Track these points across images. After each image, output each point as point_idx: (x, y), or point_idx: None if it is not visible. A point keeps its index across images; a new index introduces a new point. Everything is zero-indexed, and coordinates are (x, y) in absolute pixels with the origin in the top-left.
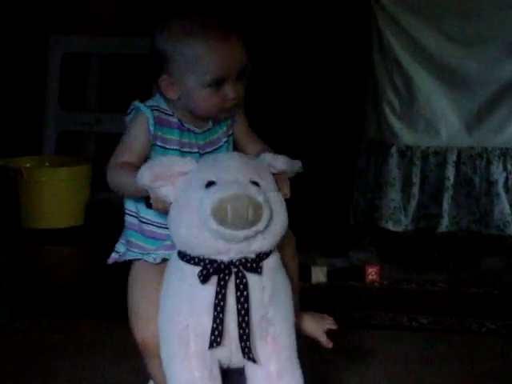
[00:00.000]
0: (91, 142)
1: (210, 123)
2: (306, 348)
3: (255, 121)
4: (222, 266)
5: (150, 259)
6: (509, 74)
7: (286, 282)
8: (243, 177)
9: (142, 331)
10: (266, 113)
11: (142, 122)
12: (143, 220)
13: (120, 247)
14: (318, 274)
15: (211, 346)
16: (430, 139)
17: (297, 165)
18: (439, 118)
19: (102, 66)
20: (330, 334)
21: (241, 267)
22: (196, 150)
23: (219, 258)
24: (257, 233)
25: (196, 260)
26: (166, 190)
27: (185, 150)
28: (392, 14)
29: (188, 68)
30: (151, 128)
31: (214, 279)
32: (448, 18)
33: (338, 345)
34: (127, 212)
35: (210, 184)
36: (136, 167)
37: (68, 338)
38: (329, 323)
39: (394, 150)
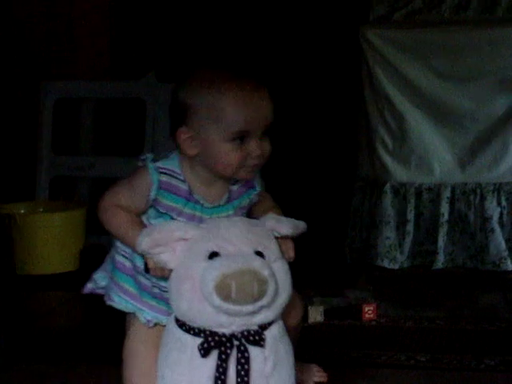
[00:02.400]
0: (85, 186)
1: (224, 198)
2: None
3: None
4: (224, 339)
5: (143, 320)
6: (500, 109)
7: (288, 350)
8: (247, 247)
9: None
10: None
11: (144, 182)
12: (139, 271)
13: (100, 279)
14: (315, 314)
15: None
16: (424, 176)
17: (301, 227)
18: (432, 155)
19: (94, 110)
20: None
21: (243, 340)
22: (198, 219)
23: (221, 330)
24: (261, 307)
25: (196, 330)
26: (166, 257)
27: (184, 218)
28: (381, 51)
29: (211, 119)
30: (152, 194)
31: (214, 351)
32: (438, 54)
33: (339, 382)
34: (119, 251)
35: (212, 255)
36: (134, 221)
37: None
38: (318, 375)
39: (387, 187)
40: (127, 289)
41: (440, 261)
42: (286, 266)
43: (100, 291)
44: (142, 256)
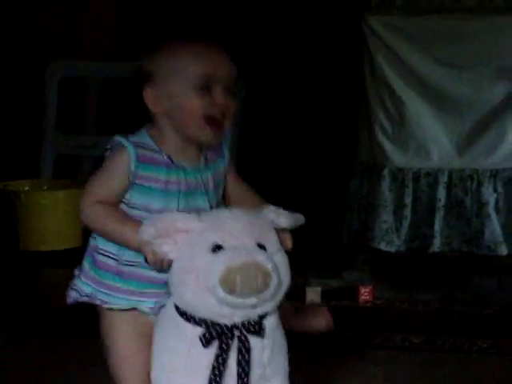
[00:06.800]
0: (89, 164)
1: (202, 161)
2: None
3: (249, 143)
4: (225, 329)
5: (146, 309)
6: (498, 96)
7: (283, 338)
8: (249, 240)
9: None
10: (260, 134)
11: (122, 158)
12: (125, 262)
13: (84, 286)
14: (313, 295)
15: None
16: (422, 161)
17: (299, 220)
18: (430, 140)
19: (99, 90)
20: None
21: (243, 330)
22: (184, 187)
23: (222, 321)
24: (264, 300)
25: (197, 320)
26: (167, 247)
27: (172, 188)
28: (382, 38)
29: (173, 72)
30: (132, 167)
31: (214, 341)
32: (438, 41)
33: (332, 364)
34: (102, 252)
35: (216, 248)
36: (119, 215)
37: (67, 360)
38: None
39: (386, 171)
40: (118, 286)
41: (436, 245)
42: (286, 258)
43: (84, 299)
44: (137, 249)
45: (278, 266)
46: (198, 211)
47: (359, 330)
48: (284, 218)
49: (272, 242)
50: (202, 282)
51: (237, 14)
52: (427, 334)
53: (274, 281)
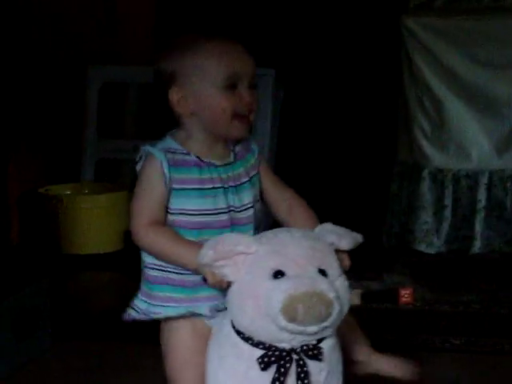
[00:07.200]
0: (129, 168)
1: (231, 156)
2: None
3: (288, 146)
4: (284, 353)
5: (203, 311)
6: None
7: (339, 358)
8: (311, 266)
9: None
10: (299, 137)
11: (155, 167)
12: (169, 269)
13: (140, 304)
14: (353, 297)
15: None
16: (461, 162)
17: (358, 239)
18: (470, 141)
19: (139, 94)
20: None
21: (302, 354)
22: (219, 184)
23: (280, 345)
24: (325, 328)
25: (255, 341)
26: (227, 270)
27: (207, 187)
28: (421, 39)
29: (198, 75)
30: (166, 171)
31: (272, 365)
32: (477, 42)
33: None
34: (150, 266)
35: (277, 274)
36: (174, 236)
37: (110, 363)
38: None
39: (425, 173)
40: (169, 296)
41: (477, 246)
42: (347, 283)
43: (141, 317)
44: (195, 271)
45: (339, 291)
46: (237, 209)
47: (399, 332)
48: (345, 241)
49: (333, 267)
50: (262, 309)
51: (277, 16)
52: (468, 336)
53: (335, 309)
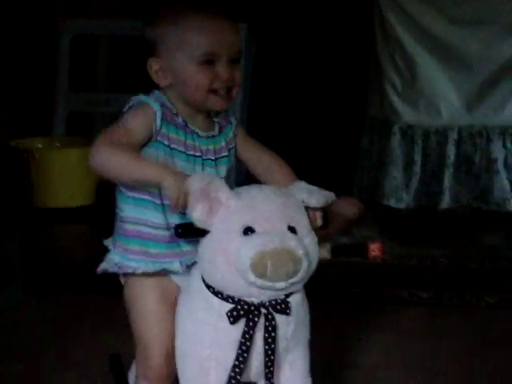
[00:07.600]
0: (101, 122)
1: (216, 129)
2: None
3: (260, 101)
4: (252, 307)
5: (176, 268)
6: (509, 53)
7: (307, 311)
8: (281, 223)
9: (157, 357)
10: (270, 92)
11: (148, 115)
12: (144, 223)
13: (115, 257)
14: (322, 251)
15: (230, 381)
16: (431, 118)
17: (330, 198)
18: (440, 97)
19: (111, 47)
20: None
21: (270, 309)
22: (199, 154)
23: (249, 299)
24: (293, 283)
25: (225, 296)
26: (199, 209)
27: (189, 152)
28: None
29: (178, 46)
30: (158, 123)
31: (241, 318)
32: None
33: (342, 318)
34: (124, 220)
35: (247, 230)
36: (139, 156)
37: (80, 314)
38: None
39: (395, 128)
40: (145, 250)
41: (445, 201)
42: (316, 239)
43: (114, 269)
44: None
45: (308, 249)
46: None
47: (367, 285)
48: (315, 198)
49: (303, 224)
50: (232, 265)
51: None
52: (435, 290)
53: (304, 266)
